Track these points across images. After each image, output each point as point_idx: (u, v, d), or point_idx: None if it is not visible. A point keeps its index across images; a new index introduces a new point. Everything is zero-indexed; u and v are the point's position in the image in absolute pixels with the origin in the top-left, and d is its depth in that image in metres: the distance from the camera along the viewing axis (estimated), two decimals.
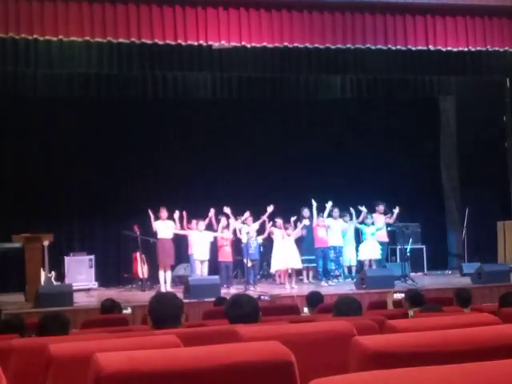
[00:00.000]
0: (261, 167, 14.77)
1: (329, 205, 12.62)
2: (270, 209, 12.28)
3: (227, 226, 12.10)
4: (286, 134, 15.05)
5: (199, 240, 11.90)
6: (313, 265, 12.72)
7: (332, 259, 12.64)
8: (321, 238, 12.46)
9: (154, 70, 11.49)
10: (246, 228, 12.18)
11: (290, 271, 12.14)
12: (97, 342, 2.92)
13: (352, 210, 12.96)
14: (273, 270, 12.61)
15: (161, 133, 14.34)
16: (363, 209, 12.89)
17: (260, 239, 12.51)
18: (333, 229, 12.67)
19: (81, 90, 12.55)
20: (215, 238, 12.14)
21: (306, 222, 12.50)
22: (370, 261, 12.81)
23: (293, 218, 12.44)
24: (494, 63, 11.99)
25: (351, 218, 12.96)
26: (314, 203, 12.48)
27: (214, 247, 12.22)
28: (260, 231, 12.53)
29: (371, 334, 3.01)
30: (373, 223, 12.86)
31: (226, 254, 12.00)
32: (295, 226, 12.38)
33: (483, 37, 11.33)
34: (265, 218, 12.36)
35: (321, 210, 12.61)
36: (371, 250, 12.84)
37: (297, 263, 12.23)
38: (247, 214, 12.30)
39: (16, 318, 5.86)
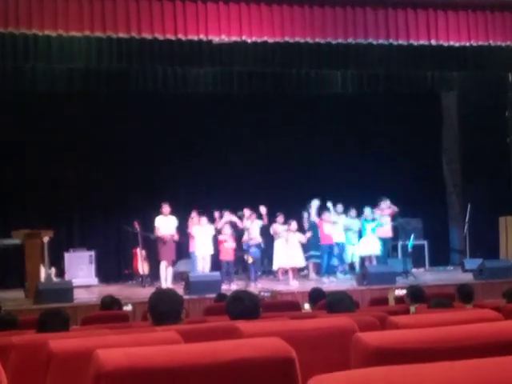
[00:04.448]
0: (261, 161, 14.74)
1: (329, 205, 12.56)
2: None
3: (229, 222, 12.03)
4: (287, 128, 14.98)
5: (202, 235, 11.83)
6: (318, 261, 12.65)
7: (335, 255, 12.59)
8: (327, 235, 12.38)
9: (154, 64, 11.46)
10: (249, 224, 12.13)
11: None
12: (97, 339, 2.92)
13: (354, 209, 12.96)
14: (275, 267, 12.50)
15: (161, 127, 14.28)
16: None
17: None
18: (336, 224, 12.60)
19: (80, 85, 12.52)
20: (216, 234, 12.08)
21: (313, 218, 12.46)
22: (370, 256, 12.75)
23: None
24: (496, 58, 11.95)
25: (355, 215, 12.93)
26: (317, 202, 12.42)
27: (216, 244, 12.14)
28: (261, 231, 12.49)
29: (373, 330, 3.04)
30: (373, 219, 12.79)
31: (227, 252, 11.91)
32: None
33: (485, 31, 11.28)
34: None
35: (322, 209, 12.57)
36: (371, 246, 12.77)
37: (299, 261, 12.13)
38: (249, 211, 12.29)
39: (8, 315, 5.82)
